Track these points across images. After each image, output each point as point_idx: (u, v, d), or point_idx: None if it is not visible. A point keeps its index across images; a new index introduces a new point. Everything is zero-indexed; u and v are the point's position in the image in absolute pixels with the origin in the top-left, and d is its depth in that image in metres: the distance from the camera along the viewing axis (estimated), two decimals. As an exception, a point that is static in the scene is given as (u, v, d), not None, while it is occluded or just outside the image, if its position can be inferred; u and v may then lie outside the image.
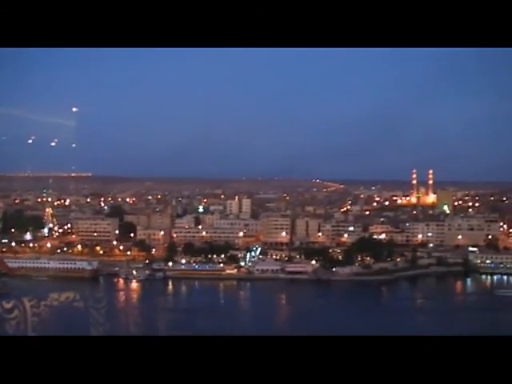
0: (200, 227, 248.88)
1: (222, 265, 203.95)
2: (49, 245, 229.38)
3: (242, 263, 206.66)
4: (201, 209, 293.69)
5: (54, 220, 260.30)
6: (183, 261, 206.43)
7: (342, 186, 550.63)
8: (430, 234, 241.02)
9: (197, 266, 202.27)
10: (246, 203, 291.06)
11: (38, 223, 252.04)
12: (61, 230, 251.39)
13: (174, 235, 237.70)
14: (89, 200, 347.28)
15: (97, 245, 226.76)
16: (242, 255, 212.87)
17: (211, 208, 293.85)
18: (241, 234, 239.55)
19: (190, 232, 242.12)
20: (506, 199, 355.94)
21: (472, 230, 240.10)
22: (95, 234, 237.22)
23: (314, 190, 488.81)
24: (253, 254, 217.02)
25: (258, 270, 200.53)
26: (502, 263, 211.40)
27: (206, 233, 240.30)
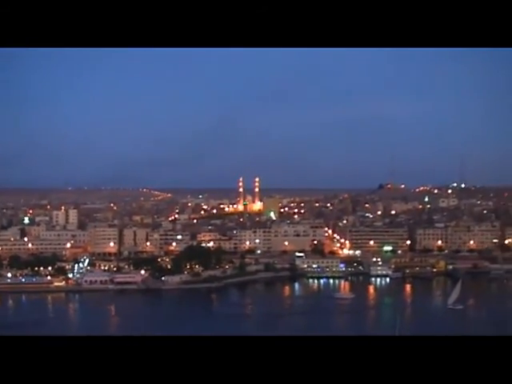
0: (26, 239, 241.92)
1: (49, 277, 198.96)
2: None
3: (70, 275, 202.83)
4: (26, 220, 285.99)
5: None
6: (9, 274, 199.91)
7: (169, 195, 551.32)
8: (257, 241, 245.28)
9: (23, 280, 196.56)
10: (73, 214, 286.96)
11: None
12: None
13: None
14: None
15: None
16: (70, 267, 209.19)
17: (37, 219, 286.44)
18: (68, 245, 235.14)
19: (15, 244, 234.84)
20: (330, 205, 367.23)
21: (298, 235, 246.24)
22: None
23: (142, 199, 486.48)
24: (81, 265, 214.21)
25: (86, 281, 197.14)
26: (327, 267, 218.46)
27: (33, 245, 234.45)
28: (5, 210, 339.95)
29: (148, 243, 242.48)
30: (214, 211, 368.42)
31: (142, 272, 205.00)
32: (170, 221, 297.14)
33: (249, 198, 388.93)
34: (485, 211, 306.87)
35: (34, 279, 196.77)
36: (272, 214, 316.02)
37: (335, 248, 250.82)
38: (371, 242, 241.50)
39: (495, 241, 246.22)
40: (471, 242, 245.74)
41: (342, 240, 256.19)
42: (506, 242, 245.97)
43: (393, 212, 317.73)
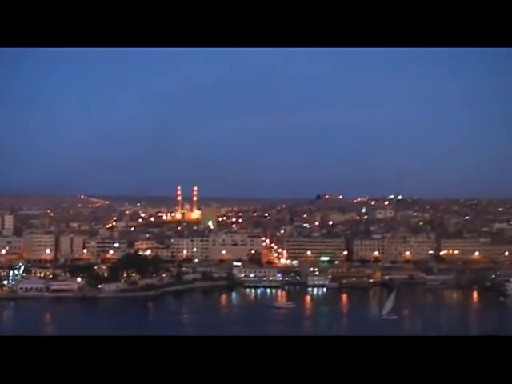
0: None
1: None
2: None
3: (5, 282, 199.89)
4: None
5: None
6: None
7: (107, 202, 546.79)
8: (194, 250, 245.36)
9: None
10: (9, 219, 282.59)
11: None
12: None
13: None
14: None
15: None
16: (5, 274, 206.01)
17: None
18: (3, 251, 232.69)
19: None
20: (268, 215, 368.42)
21: (236, 245, 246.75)
22: None
23: (79, 205, 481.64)
24: (16, 272, 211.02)
25: (21, 288, 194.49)
26: (264, 277, 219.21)
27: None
28: None
29: (85, 250, 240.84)
30: (152, 219, 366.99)
31: (79, 280, 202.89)
32: (108, 228, 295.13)
33: (187, 206, 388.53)
34: (421, 223, 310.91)
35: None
36: (210, 223, 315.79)
37: (272, 258, 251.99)
38: (308, 252, 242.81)
39: (431, 252, 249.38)
40: (407, 253, 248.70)
41: (280, 250, 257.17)
42: (441, 253, 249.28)
43: (330, 222, 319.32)
